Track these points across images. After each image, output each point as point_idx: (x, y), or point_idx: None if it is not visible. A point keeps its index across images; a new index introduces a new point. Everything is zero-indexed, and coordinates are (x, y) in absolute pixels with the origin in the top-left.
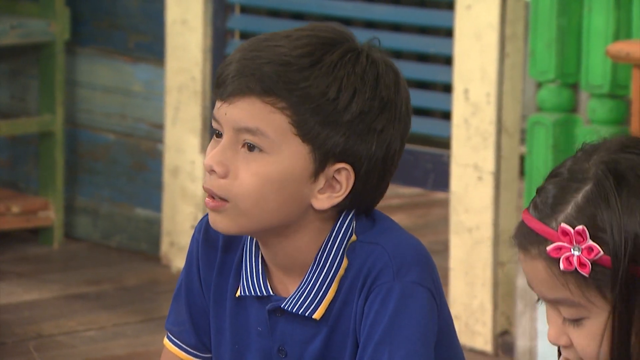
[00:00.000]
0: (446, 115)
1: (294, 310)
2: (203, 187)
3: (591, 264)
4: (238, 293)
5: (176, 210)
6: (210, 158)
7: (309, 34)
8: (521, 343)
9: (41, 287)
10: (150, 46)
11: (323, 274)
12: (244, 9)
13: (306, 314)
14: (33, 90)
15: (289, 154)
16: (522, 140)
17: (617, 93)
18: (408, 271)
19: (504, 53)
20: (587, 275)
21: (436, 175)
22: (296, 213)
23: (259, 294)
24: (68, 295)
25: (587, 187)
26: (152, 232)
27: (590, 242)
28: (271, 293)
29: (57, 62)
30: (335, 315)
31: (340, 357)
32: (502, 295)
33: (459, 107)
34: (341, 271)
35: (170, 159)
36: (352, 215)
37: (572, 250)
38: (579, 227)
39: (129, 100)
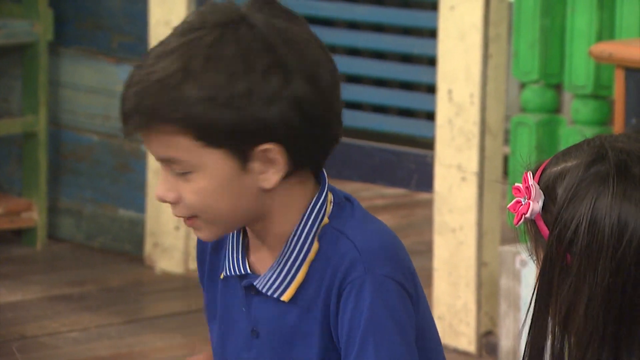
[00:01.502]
0: (430, 116)
1: (264, 291)
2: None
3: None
4: (223, 274)
5: (160, 211)
6: (158, 190)
7: (176, 44)
8: (505, 343)
9: (24, 288)
10: (133, 47)
11: (293, 256)
12: None
13: (275, 295)
14: (16, 90)
15: (210, 164)
16: (506, 141)
17: (601, 94)
18: (377, 264)
19: (488, 54)
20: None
21: (420, 175)
22: (253, 203)
23: (237, 272)
24: (51, 296)
25: (582, 161)
26: (135, 233)
27: (532, 202)
28: (248, 271)
29: (40, 63)
30: (304, 298)
31: (308, 342)
32: (486, 296)
33: (442, 108)
34: (311, 254)
35: (153, 160)
36: (324, 197)
37: (522, 199)
38: (532, 183)
39: (113, 101)
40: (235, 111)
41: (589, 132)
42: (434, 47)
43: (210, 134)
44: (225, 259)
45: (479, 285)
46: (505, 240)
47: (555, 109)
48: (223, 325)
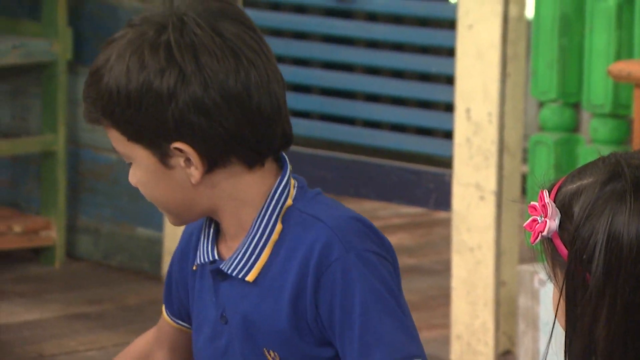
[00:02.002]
0: (448, 135)
1: (229, 272)
2: None
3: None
4: (195, 265)
5: (178, 229)
6: (129, 174)
7: (118, 35)
8: None
9: (42, 306)
10: None
11: (257, 237)
12: None
13: (239, 276)
14: (35, 109)
15: (138, 157)
16: (524, 160)
17: (619, 112)
18: (356, 241)
19: (506, 72)
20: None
21: (438, 194)
22: (192, 196)
23: (206, 259)
24: (69, 315)
25: (598, 178)
26: (153, 252)
27: (549, 220)
28: (216, 257)
29: (59, 82)
30: (269, 279)
31: (273, 323)
32: (504, 315)
33: (461, 127)
34: (275, 235)
35: None
36: (287, 181)
37: (538, 217)
38: (548, 201)
39: None
40: (135, 109)
41: (608, 151)
42: (452, 65)
43: (125, 130)
44: (198, 250)
45: (497, 304)
46: (523, 260)
47: (574, 127)
48: (197, 317)
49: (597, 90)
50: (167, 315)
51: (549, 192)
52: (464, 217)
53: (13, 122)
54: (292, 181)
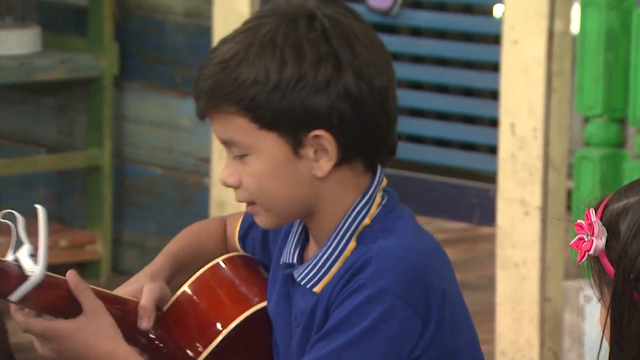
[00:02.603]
0: (492, 150)
1: (299, 281)
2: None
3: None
4: (281, 260)
5: None
6: (221, 174)
7: (239, 29)
8: None
9: None
10: None
11: (330, 251)
12: None
13: (308, 286)
14: (81, 124)
15: (264, 147)
16: (569, 175)
17: None
18: (385, 274)
19: (551, 88)
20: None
21: (482, 209)
22: (307, 191)
23: (287, 261)
24: None
25: None
26: None
27: (595, 239)
28: (294, 262)
29: (105, 97)
30: (325, 291)
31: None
32: (549, 332)
33: (505, 142)
34: (347, 252)
35: (216, 193)
36: (369, 198)
37: (585, 236)
38: (595, 220)
39: (176, 134)
40: (284, 96)
41: None
42: (497, 80)
43: (263, 117)
44: (285, 247)
45: (542, 320)
46: (568, 276)
47: (620, 143)
48: (276, 308)
49: None
50: (238, 241)
51: (595, 210)
52: (509, 232)
53: (59, 136)
54: (378, 198)
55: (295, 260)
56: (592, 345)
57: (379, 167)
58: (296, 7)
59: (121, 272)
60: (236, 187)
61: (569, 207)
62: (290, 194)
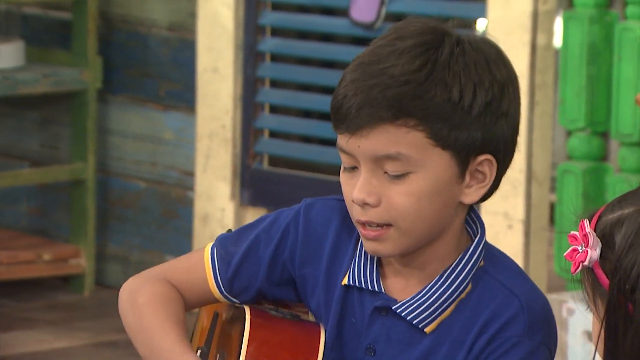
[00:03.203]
0: None
1: (407, 318)
2: (358, 221)
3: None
4: (345, 281)
5: None
6: (359, 191)
7: (413, 44)
8: None
9: (72, 335)
10: (181, 94)
11: (448, 292)
12: (275, 57)
13: (419, 325)
14: (64, 138)
15: (433, 165)
16: (552, 189)
17: None
18: (537, 329)
19: (534, 101)
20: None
21: None
22: (448, 217)
23: (369, 288)
24: (99, 343)
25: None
26: None
27: (590, 250)
28: (382, 291)
29: (88, 110)
30: (443, 333)
31: None
32: None
33: None
34: (463, 294)
35: (200, 206)
36: (485, 240)
37: (579, 247)
38: (589, 231)
39: (160, 148)
40: (473, 118)
41: (636, 180)
42: None
43: (445, 135)
44: (353, 269)
45: None
46: (551, 289)
47: (602, 156)
48: (336, 329)
49: (626, 119)
50: (218, 290)
51: (589, 221)
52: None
53: (43, 150)
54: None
55: (383, 290)
56: (575, 358)
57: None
58: (448, 29)
59: (105, 286)
60: (374, 206)
61: (552, 220)
62: (436, 216)
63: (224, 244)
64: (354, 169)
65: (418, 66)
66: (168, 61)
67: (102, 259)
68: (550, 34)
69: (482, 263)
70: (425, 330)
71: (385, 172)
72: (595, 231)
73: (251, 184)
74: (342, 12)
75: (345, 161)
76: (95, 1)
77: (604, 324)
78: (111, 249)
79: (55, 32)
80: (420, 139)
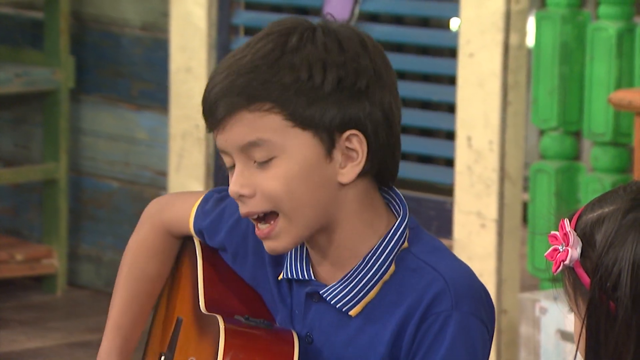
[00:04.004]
0: (449, 162)
1: (332, 302)
2: (242, 214)
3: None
4: (281, 276)
5: None
6: (233, 185)
7: (266, 33)
8: None
9: (44, 334)
10: (154, 94)
11: (370, 274)
12: None
13: (343, 309)
14: (37, 138)
15: (295, 146)
16: (525, 188)
17: (620, 141)
18: (465, 301)
19: (507, 101)
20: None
21: (439, 222)
22: (330, 199)
23: (300, 277)
24: (71, 343)
25: (620, 206)
26: None
27: (571, 249)
28: (312, 278)
29: (61, 110)
30: (368, 316)
31: (366, 358)
32: (506, 343)
33: (462, 154)
34: (386, 276)
35: None
36: (407, 221)
37: (560, 247)
38: (570, 230)
39: (133, 148)
40: (326, 95)
41: (609, 179)
42: (453, 93)
43: (300, 115)
44: (286, 262)
45: (499, 332)
46: (524, 288)
47: (575, 156)
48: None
49: (598, 118)
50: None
51: (569, 220)
52: (465, 245)
53: (15, 150)
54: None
55: (312, 277)
56: (548, 357)
57: (399, 194)
58: (305, 21)
59: (77, 286)
60: (250, 197)
61: (524, 220)
62: (315, 199)
63: (206, 203)
64: (233, 167)
65: (266, 52)
66: (141, 61)
67: (75, 259)
68: (522, 33)
69: (406, 245)
70: (350, 313)
71: (254, 162)
72: (575, 230)
73: (224, 183)
74: (315, 11)
75: (225, 161)
76: (67, 1)
77: (585, 323)
78: (84, 249)
79: (28, 31)
80: (278, 122)
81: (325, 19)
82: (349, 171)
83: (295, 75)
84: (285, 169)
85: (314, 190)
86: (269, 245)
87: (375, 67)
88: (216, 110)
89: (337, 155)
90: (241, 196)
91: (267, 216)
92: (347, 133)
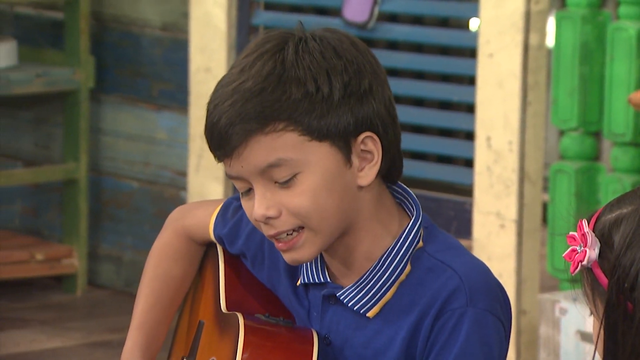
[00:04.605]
0: (468, 163)
1: (349, 304)
2: (270, 237)
3: (587, 271)
4: (299, 282)
5: None
6: (258, 209)
7: (259, 53)
8: None
9: (64, 334)
10: (173, 94)
11: (385, 275)
12: None
13: (360, 311)
14: (57, 138)
15: (316, 160)
16: (545, 188)
17: None
18: (480, 298)
19: (527, 101)
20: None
21: (459, 222)
22: (351, 204)
23: (316, 280)
24: (91, 343)
25: (638, 207)
26: None
27: (589, 250)
28: (328, 280)
29: (81, 110)
30: (386, 317)
31: (384, 358)
32: (525, 344)
33: (481, 155)
34: (402, 276)
35: None
36: (421, 220)
37: (578, 247)
38: (588, 231)
39: (153, 148)
40: (337, 103)
41: (629, 179)
42: (473, 94)
43: (316, 128)
44: (302, 267)
45: (518, 333)
46: (544, 288)
47: (595, 156)
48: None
49: (618, 118)
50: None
51: (587, 221)
52: (485, 245)
53: (36, 150)
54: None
55: (328, 279)
56: (568, 358)
57: (412, 194)
58: (292, 32)
59: (97, 286)
60: (276, 217)
61: (544, 220)
62: (340, 207)
63: (226, 211)
64: (249, 191)
65: (267, 72)
66: (161, 61)
67: (95, 259)
68: (542, 33)
69: (421, 244)
70: (367, 315)
71: (276, 182)
72: (593, 231)
73: None
74: (335, 12)
75: (239, 187)
76: (87, 1)
77: (603, 323)
78: (104, 248)
79: (48, 32)
80: (295, 139)
81: (301, 28)
82: (367, 173)
83: (303, 89)
84: (309, 183)
85: (338, 199)
86: (291, 256)
87: (371, 65)
88: (229, 139)
89: (355, 159)
90: (268, 218)
91: (293, 232)
92: (362, 136)
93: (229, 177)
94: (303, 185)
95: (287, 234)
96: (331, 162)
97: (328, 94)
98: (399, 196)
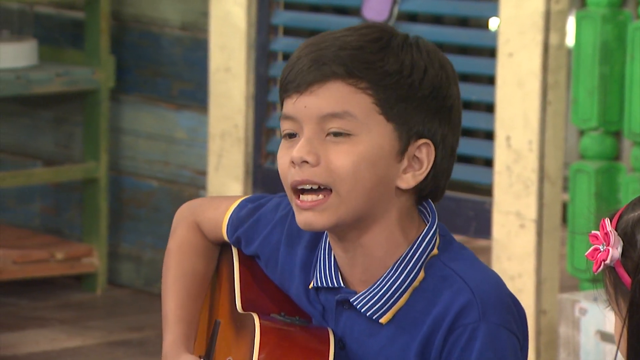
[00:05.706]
0: (488, 163)
1: (362, 310)
2: (293, 182)
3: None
4: (311, 285)
5: None
6: (298, 152)
7: (368, 26)
8: None
9: (84, 333)
10: (193, 93)
11: (399, 282)
12: (287, 57)
13: (373, 317)
14: (77, 137)
15: (375, 132)
16: (565, 188)
17: None
18: (493, 312)
19: (546, 100)
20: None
21: (478, 222)
22: (382, 196)
23: (330, 285)
24: (111, 342)
25: None
26: None
27: (611, 249)
28: (342, 285)
29: (101, 110)
30: (399, 323)
31: None
32: (545, 344)
33: (501, 155)
34: (416, 282)
35: None
36: (436, 228)
37: (600, 246)
38: (611, 229)
39: (173, 147)
40: (419, 97)
41: None
42: (492, 93)
43: (391, 105)
44: (316, 271)
45: (538, 333)
46: (564, 288)
47: (615, 156)
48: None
49: (638, 118)
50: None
51: (610, 220)
52: (505, 245)
53: (56, 149)
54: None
55: (342, 284)
56: (587, 358)
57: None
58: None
59: (117, 285)
60: (312, 166)
61: (564, 220)
62: (373, 190)
63: (241, 209)
64: (292, 136)
65: (374, 38)
66: (180, 60)
67: (115, 258)
68: (562, 33)
69: (435, 251)
70: (380, 321)
71: (328, 135)
72: (616, 230)
73: (263, 183)
74: (354, 11)
75: (286, 128)
76: (108, 1)
77: (626, 322)
78: (124, 248)
79: (68, 31)
80: (368, 103)
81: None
82: (410, 178)
83: (398, 67)
84: (359, 148)
85: (376, 180)
86: (307, 218)
87: (458, 98)
88: (310, 73)
89: (405, 159)
90: (304, 162)
91: (318, 190)
92: (422, 141)
93: (283, 115)
94: (353, 147)
95: (312, 189)
96: (387, 143)
97: (417, 85)
98: (420, 207)
